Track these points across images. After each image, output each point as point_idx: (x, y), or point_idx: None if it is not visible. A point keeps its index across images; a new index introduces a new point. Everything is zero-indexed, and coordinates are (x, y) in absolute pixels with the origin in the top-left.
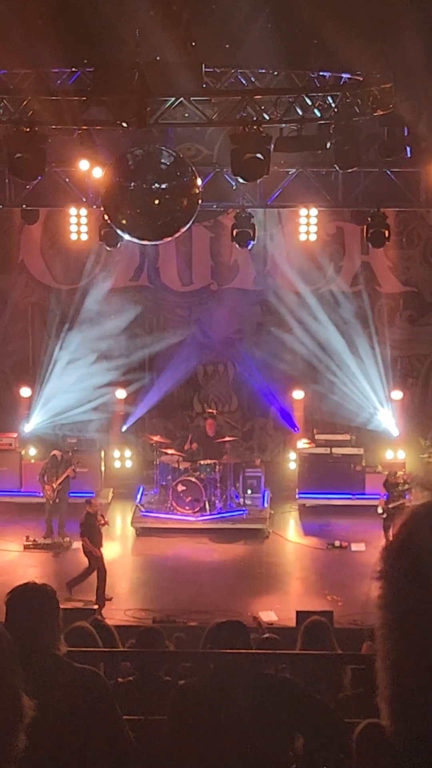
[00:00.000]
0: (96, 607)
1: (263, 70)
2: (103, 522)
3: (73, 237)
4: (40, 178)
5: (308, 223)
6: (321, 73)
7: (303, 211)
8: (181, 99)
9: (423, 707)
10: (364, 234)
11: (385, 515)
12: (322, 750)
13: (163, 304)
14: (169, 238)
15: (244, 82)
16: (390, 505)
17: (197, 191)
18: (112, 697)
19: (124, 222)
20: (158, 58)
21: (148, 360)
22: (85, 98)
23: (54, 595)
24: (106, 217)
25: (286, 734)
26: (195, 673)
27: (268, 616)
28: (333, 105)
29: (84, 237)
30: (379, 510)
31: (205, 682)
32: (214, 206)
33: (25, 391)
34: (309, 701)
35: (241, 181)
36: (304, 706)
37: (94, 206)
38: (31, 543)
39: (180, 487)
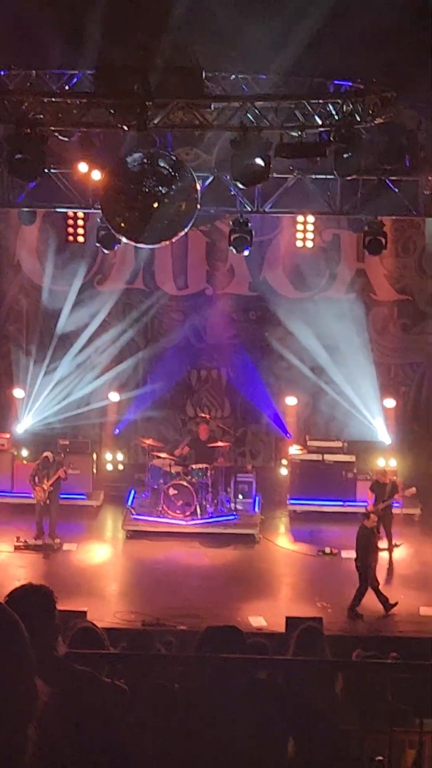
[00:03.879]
0: (85, 609)
1: (264, 76)
2: (380, 538)
3: (70, 239)
4: (39, 179)
5: (305, 229)
6: (322, 80)
7: (300, 218)
8: (182, 103)
9: None
10: (362, 241)
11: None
12: (315, 755)
13: (158, 307)
14: (167, 242)
15: (244, 87)
16: (379, 507)
17: (196, 196)
18: (110, 700)
19: (122, 225)
20: (159, 61)
21: (142, 363)
22: (85, 100)
23: (52, 596)
24: (103, 220)
25: (279, 738)
26: (189, 678)
27: (257, 621)
28: (333, 112)
29: (80, 239)
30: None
31: (199, 687)
32: (212, 211)
33: (18, 392)
34: (302, 706)
35: (239, 186)
36: (297, 711)
37: (92, 209)
38: (21, 544)
39: (171, 491)
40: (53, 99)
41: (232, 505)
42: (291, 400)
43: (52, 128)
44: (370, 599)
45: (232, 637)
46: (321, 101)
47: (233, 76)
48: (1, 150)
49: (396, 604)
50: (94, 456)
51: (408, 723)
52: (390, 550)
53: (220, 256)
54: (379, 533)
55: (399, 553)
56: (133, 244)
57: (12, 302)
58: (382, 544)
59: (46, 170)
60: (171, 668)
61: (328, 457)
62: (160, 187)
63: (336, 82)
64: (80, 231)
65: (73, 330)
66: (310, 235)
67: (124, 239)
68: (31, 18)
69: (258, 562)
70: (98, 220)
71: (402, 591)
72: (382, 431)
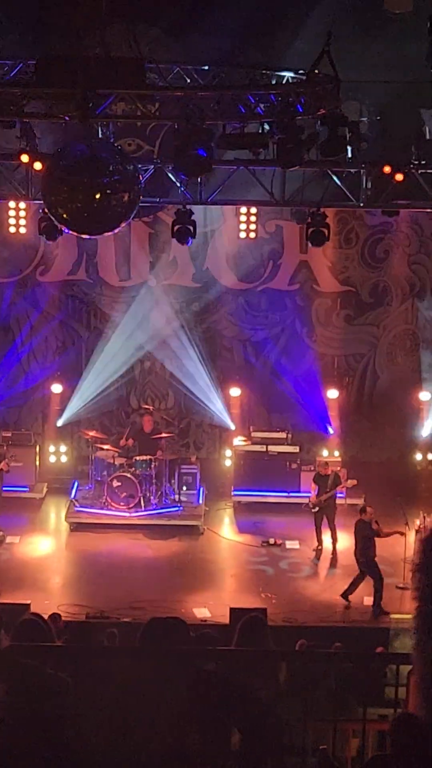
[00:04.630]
0: (29, 602)
1: (206, 67)
2: (376, 528)
3: (12, 230)
4: None
5: (248, 220)
6: (264, 71)
7: (243, 209)
8: (124, 94)
9: None
10: (305, 233)
11: (316, 509)
12: (259, 745)
13: (101, 298)
14: (110, 233)
15: (187, 78)
16: (322, 498)
17: (138, 186)
18: (52, 691)
19: (64, 215)
20: (99, 51)
21: (85, 355)
22: (27, 91)
23: None
24: (46, 211)
25: (224, 730)
26: (132, 669)
27: (201, 612)
28: (276, 103)
29: (23, 230)
30: (311, 505)
31: (142, 678)
32: (155, 202)
33: None
34: (246, 697)
35: (182, 177)
36: (241, 702)
37: (34, 199)
38: None
39: (115, 483)
40: None
41: (176, 496)
42: (235, 391)
43: None
44: (316, 588)
45: (176, 629)
46: (263, 92)
47: (175, 68)
48: None
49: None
50: (37, 448)
51: (351, 712)
52: (334, 541)
53: (163, 247)
54: (378, 526)
55: (343, 544)
56: (75, 234)
57: None
58: (326, 535)
59: None
60: (115, 660)
61: (272, 448)
62: (102, 178)
63: (278, 73)
64: (22, 222)
65: (15, 321)
66: (253, 227)
67: (66, 230)
68: None
69: (202, 553)
70: (40, 210)
71: (346, 581)
72: (325, 422)
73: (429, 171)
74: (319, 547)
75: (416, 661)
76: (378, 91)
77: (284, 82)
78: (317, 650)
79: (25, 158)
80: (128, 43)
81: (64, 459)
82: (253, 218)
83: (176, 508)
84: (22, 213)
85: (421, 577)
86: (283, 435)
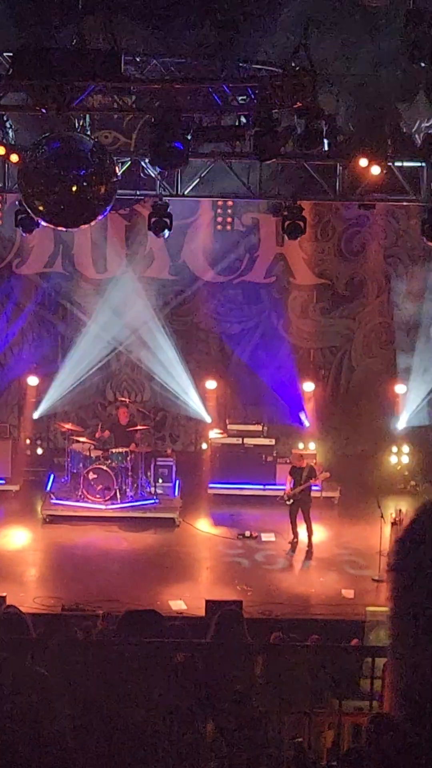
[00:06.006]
0: (5, 594)
1: (183, 59)
2: None
3: None
4: None
5: (225, 213)
6: (241, 64)
7: (220, 202)
8: (101, 86)
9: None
10: (281, 226)
11: (291, 502)
12: (234, 737)
13: (78, 291)
14: (86, 226)
15: (163, 70)
16: (296, 490)
17: (115, 179)
18: (26, 683)
19: (40, 208)
20: (75, 43)
21: (62, 347)
22: (3, 83)
23: None
24: (22, 203)
25: (198, 720)
26: (108, 661)
27: (177, 605)
28: (252, 96)
29: None
30: (285, 497)
31: (118, 670)
32: (131, 194)
33: None
34: (221, 689)
35: (159, 169)
36: (217, 693)
37: (10, 191)
38: None
39: (91, 475)
40: None
41: (152, 489)
42: (211, 384)
43: None
44: (292, 581)
45: (152, 621)
46: (240, 85)
47: (152, 60)
48: None
49: None
50: (13, 440)
51: (327, 704)
52: (309, 534)
53: (139, 240)
54: None
55: (318, 537)
56: (52, 227)
57: None
58: (301, 528)
59: None
60: (91, 652)
61: (247, 440)
62: (79, 171)
63: (255, 65)
64: None
65: None
66: (229, 219)
67: (43, 222)
68: None
69: (178, 546)
70: (17, 202)
71: (322, 574)
72: (301, 415)
73: (405, 164)
74: (295, 540)
75: (390, 661)
76: (355, 84)
77: (261, 74)
78: (293, 643)
79: (1, 150)
80: (105, 34)
81: (39, 451)
82: (229, 211)
83: (152, 501)
84: None
85: (396, 577)
86: (258, 428)
